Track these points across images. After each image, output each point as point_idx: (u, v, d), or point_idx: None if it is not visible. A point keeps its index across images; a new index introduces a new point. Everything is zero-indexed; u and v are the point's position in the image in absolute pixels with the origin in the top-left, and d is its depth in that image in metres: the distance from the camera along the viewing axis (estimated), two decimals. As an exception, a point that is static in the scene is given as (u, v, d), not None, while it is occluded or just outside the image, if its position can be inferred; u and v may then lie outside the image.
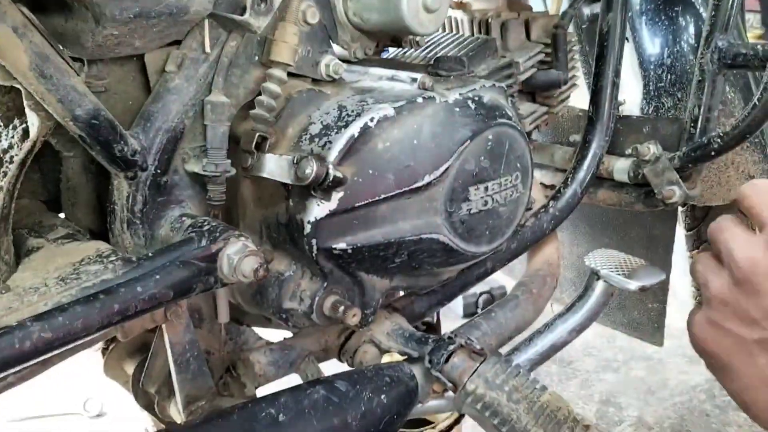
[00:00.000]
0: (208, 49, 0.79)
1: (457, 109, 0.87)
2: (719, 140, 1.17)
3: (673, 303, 1.55)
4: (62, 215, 0.88)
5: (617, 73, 1.22)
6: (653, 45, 1.48)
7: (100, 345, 1.01)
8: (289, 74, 0.85)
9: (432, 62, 0.97)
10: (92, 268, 0.68)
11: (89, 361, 0.92)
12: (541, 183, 1.39)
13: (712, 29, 1.20)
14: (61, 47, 0.70)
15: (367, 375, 0.82)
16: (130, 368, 0.97)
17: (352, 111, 0.82)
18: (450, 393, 0.89)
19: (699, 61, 1.22)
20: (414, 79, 0.89)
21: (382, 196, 0.82)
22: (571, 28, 1.29)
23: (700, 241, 1.72)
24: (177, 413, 0.88)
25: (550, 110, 1.26)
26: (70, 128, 0.71)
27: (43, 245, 0.75)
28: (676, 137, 1.26)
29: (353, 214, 0.81)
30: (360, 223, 0.82)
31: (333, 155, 0.79)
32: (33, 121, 0.72)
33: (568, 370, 1.92)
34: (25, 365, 0.57)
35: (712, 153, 1.19)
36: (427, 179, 0.84)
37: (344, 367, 0.97)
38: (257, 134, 0.80)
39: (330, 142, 0.80)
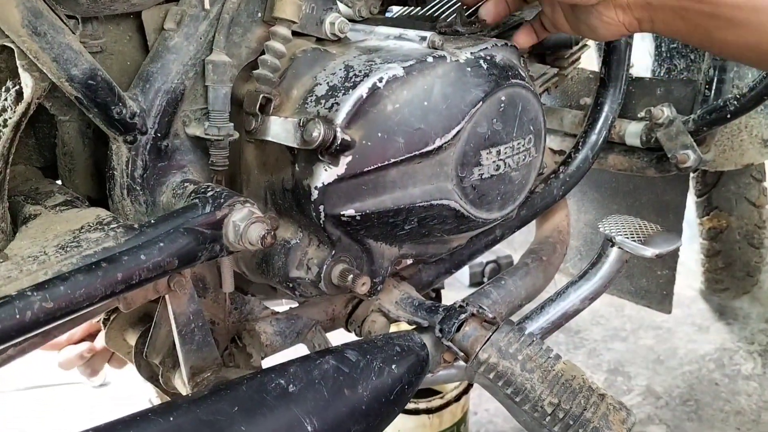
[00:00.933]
0: (207, 6, 0.75)
1: (469, 69, 0.83)
2: (735, 102, 1.14)
3: (681, 271, 1.53)
4: (59, 182, 0.85)
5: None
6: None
7: (101, 315, 0.99)
8: (293, 33, 0.81)
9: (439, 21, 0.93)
10: (93, 236, 0.66)
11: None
12: (549, 148, 1.36)
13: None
14: (55, 3, 0.66)
15: (378, 344, 0.80)
16: (132, 339, 0.95)
17: (360, 71, 0.79)
18: (461, 362, 0.87)
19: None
20: (423, 38, 0.86)
21: (392, 160, 0.79)
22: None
23: (710, 207, 1.70)
24: (182, 385, 0.86)
25: (561, 72, 1.22)
26: (65, 89, 0.68)
27: (40, 212, 0.72)
28: (690, 100, 1.23)
29: (362, 179, 0.78)
30: (369, 188, 0.79)
31: (341, 117, 0.76)
32: (27, 82, 0.68)
33: (576, 339, 1.91)
34: (26, 336, 0.54)
35: (728, 116, 1.16)
36: (438, 143, 0.80)
37: (352, 337, 0.95)
38: (261, 95, 0.77)
39: (337, 103, 0.77)
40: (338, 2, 0.90)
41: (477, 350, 0.83)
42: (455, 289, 2.11)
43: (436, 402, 1.37)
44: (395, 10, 1.13)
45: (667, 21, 0.84)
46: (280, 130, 0.76)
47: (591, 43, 1.49)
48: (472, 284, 2.15)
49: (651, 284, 1.55)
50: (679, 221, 1.46)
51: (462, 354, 0.85)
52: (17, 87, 0.72)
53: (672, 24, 0.83)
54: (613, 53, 1.19)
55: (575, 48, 1.22)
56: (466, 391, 1.40)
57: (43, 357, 0.97)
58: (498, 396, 0.84)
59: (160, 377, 0.89)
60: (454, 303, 0.89)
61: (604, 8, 0.86)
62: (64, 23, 0.65)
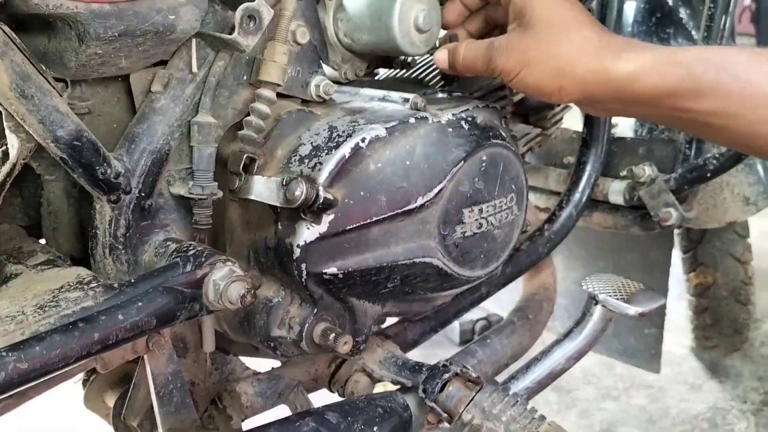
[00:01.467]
0: (195, 69, 0.77)
1: (450, 130, 0.85)
2: (715, 161, 1.16)
3: (671, 328, 1.53)
4: (43, 241, 0.85)
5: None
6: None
7: (80, 376, 0.97)
8: (279, 95, 0.83)
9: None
10: (72, 296, 0.65)
11: (64, 395, 0.88)
12: (535, 206, 1.37)
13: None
14: (43, 67, 0.68)
15: (359, 406, 0.79)
16: (111, 400, 0.93)
17: (343, 132, 0.80)
18: (445, 424, 0.86)
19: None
20: (406, 100, 0.88)
21: (374, 218, 0.79)
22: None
23: (696, 263, 1.71)
24: (160, 447, 0.84)
25: (544, 132, 1.25)
26: (51, 150, 0.69)
27: (22, 272, 0.72)
28: (672, 159, 1.25)
29: (344, 238, 0.79)
30: (351, 246, 0.79)
31: (323, 177, 0.77)
32: (13, 142, 0.70)
33: (568, 399, 1.88)
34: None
35: (708, 174, 1.18)
36: (420, 201, 0.81)
37: (335, 398, 0.93)
38: (245, 155, 0.78)
39: (320, 163, 0.78)
40: (324, 65, 0.92)
41: (461, 411, 0.82)
42: (445, 347, 2.09)
43: (424, 464, 1.34)
44: (381, 73, 1.16)
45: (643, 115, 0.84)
46: (263, 189, 0.77)
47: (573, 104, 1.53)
48: (462, 342, 2.13)
49: (639, 343, 1.54)
50: (665, 278, 1.46)
51: (446, 415, 0.84)
52: (3, 147, 0.73)
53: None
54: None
55: (558, 108, 1.25)
56: (454, 452, 1.37)
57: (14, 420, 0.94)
58: (483, 458, 0.82)
59: (138, 440, 0.87)
60: (438, 362, 0.88)
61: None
62: (52, 86, 0.67)
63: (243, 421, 0.89)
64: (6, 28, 0.63)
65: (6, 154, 0.72)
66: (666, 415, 1.80)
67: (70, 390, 0.93)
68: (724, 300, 1.72)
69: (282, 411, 0.87)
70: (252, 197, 0.77)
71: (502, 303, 1.91)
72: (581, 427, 1.72)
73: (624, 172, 1.26)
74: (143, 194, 0.76)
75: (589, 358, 1.00)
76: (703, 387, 1.90)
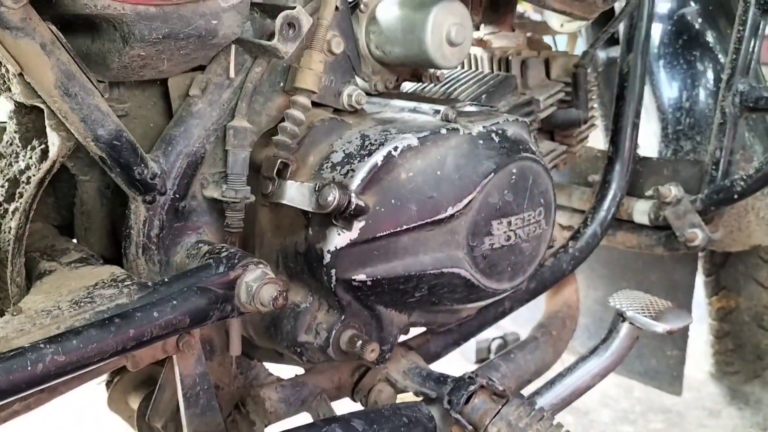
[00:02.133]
0: (232, 74, 0.78)
1: (481, 142, 0.86)
2: (742, 183, 1.16)
3: (690, 353, 1.51)
4: (75, 240, 0.86)
5: (637, 114, 1.22)
6: (671, 88, 1.47)
7: (103, 378, 0.98)
8: (312, 103, 0.84)
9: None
10: (107, 293, 0.66)
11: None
12: (559, 224, 1.37)
13: (733, 72, 1.20)
14: (86, 67, 0.69)
15: (384, 414, 0.79)
16: (135, 402, 0.93)
17: (375, 140, 0.81)
18: (469, 436, 0.85)
19: (720, 103, 1.22)
20: (437, 111, 0.88)
21: (404, 226, 0.80)
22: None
23: (719, 287, 1.69)
24: (183, 451, 0.84)
25: (569, 149, 1.25)
26: (91, 149, 0.70)
27: (55, 268, 0.73)
28: (698, 180, 1.25)
29: (374, 245, 0.79)
30: (381, 254, 0.80)
31: (355, 184, 0.77)
32: (54, 140, 0.71)
33: (585, 421, 1.86)
34: (35, 390, 0.54)
35: (735, 196, 1.17)
36: (450, 211, 0.82)
37: (357, 407, 0.93)
38: (279, 161, 0.79)
39: (353, 170, 0.79)
40: (356, 77, 0.93)
41: (486, 423, 0.81)
42: (461, 365, 2.07)
43: (440, 481, 1.33)
44: (409, 86, 1.17)
45: None
46: (295, 194, 0.77)
47: (599, 122, 1.53)
48: (478, 360, 2.11)
49: (661, 365, 1.52)
50: (689, 300, 1.45)
51: (470, 427, 0.83)
52: (43, 146, 0.74)
53: None
54: (620, 133, 1.22)
55: (583, 126, 1.25)
56: (471, 470, 1.35)
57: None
58: (507, 472, 0.81)
59: (161, 442, 0.87)
60: (464, 374, 0.87)
61: None
62: (95, 86, 0.68)
63: (266, 426, 0.88)
64: (53, 28, 0.64)
65: (45, 152, 0.73)
66: (685, 440, 1.77)
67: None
68: (747, 325, 1.69)
69: (304, 419, 0.87)
70: (285, 202, 0.78)
71: (519, 321, 1.90)
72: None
73: (649, 192, 1.25)
74: (178, 196, 0.77)
75: (607, 380, 0.99)
76: (722, 413, 1.87)
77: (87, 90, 0.67)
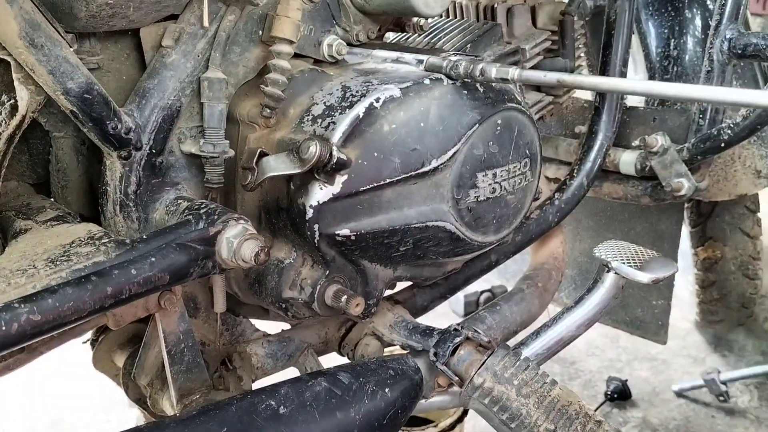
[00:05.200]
0: (206, 23, 0.75)
1: (465, 92, 0.84)
2: (729, 131, 1.15)
3: (675, 303, 1.52)
4: (51, 199, 0.84)
5: (624, 63, 1.20)
6: (659, 37, 1.45)
7: (87, 337, 0.97)
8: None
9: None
10: (83, 250, 0.65)
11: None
12: (545, 176, 1.36)
13: (722, 18, 1.18)
14: (53, 17, 0.66)
15: (371, 367, 0.79)
16: (120, 360, 0.93)
17: (357, 91, 0.79)
18: (455, 387, 0.86)
19: (708, 50, 1.19)
20: (420, 61, 0.86)
21: (388, 180, 0.78)
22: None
23: (705, 237, 1.70)
24: (170, 407, 0.84)
25: (556, 100, 1.23)
26: (61, 103, 0.68)
27: (31, 227, 0.71)
28: (684, 129, 1.24)
29: (357, 199, 0.78)
30: (364, 208, 0.78)
31: (337, 136, 0.75)
32: (22, 95, 0.68)
33: (571, 370, 1.89)
34: (11, 350, 0.53)
35: (722, 144, 1.16)
36: (434, 164, 0.80)
37: (344, 361, 0.93)
38: (258, 150, 0.75)
39: (333, 123, 0.77)
40: (336, 26, 0.91)
41: (472, 375, 0.82)
42: (450, 319, 2.09)
43: (429, 431, 1.35)
44: (392, 37, 1.14)
45: None
46: (275, 164, 0.74)
47: (586, 71, 1.51)
48: (466, 314, 2.13)
49: (646, 314, 1.53)
50: (675, 250, 1.45)
51: (456, 378, 0.83)
52: (12, 101, 0.71)
53: None
54: (608, 82, 1.20)
55: (570, 76, 1.23)
56: (459, 420, 1.37)
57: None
58: (493, 422, 0.82)
59: (147, 399, 0.87)
60: (449, 326, 0.87)
61: None
62: (62, 36, 0.65)
63: (253, 382, 0.88)
64: (15, -25, 0.61)
65: (15, 107, 0.71)
66: (669, 387, 1.80)
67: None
68: (732, 274, 1.71)
69: (292, 373, 0.87)
70: (268, 176, 0.75)
71: (506, 274, 1.91)
72: (585, 397, 1.72)
73: (636, 142, 1.24)
74: (154, 151, 0.75)
75: (593, 330, 0.99)
76: (707, 360, 1.91)
77: (54, 41, 0.65)
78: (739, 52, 1.17)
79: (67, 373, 1.81)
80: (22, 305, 0.54)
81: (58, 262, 0.63)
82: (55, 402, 1.80)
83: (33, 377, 1.84)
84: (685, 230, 1.72)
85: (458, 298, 2.14)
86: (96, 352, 0.94)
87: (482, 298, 2.14)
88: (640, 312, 1.55)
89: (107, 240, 0.67)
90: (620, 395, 1.75)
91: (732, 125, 1.15)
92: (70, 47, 0.67)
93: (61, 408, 1.79)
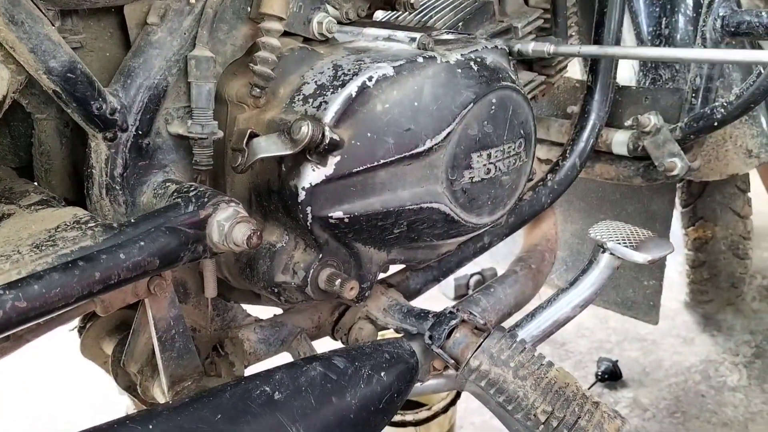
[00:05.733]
0: (192, 0, 0.73)
1: (459, 71, 0.82)
2: (723, 110, 1.14)
3: (665, 283, 1.52)
4: (35, 183, 0.81)
5: (617, 41, 1.18)
6: (650, 16, 1.44)
7: (75, 324, 0.95)
8: (280, 32, 0.79)
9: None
10: (69, 235, 0.63)
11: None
12: (537, 157, 1.35)
13: (715, -4, 1.17)
14: (32, -7, 0.64)
15: (366, 351, 0.78)
16: (109, 348, 0.91)
17: (349, 70, 0.77)
18: (451, 371, 0.85)
19: (701, 29, 1.18)
20: (413, 39, 0.84)
21: (381, 161, 0.77)
22: (568, -4, 1.24)
23: (695, 217, 1.70)
24: (161, 394, 0.83)
25: (548, 79, 1.22)
26: (43, 82, 0.65)
27: (15, 212, 0.69)
28: (677, 108, 1.23)
29: (350, 180, 0.76)
30: (357, 190, 0.77)
31: (329, 116, 0.74)
32: (2, 74, 0.66)
33: (561, 352, 1.89)
34: (-5, 337, 0.51)
35: (715, 123, 1.15)
36: (428, 144, 0.79)
37: (338, 346, 0.92)
38: (249, 131, 0.73)
39: (325, 102, 0.75)
40: (326, 3, 0.88)
41: (468, 357, 0.81)
42: (439, 301, 2.09)
43: (423, 414, 1.34)
44: (381, 15, 1.12)
45: None
46: (267, 145, 0.72)
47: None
48: (456, 297, 2.13)
49: (637, 295, 1.54)
50: (666, 230, 1.45)
51: (452, 361, 0.83)
52: (-8, 81, 0.69)
53: None
54: (599, 62, 1.19)
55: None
56: (453, 402, 1.37)
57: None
58: (490, 405, 0.81)
59: (137, 387, 0.85)
60: (444, 309, 0.86)
61: None
62: (43, 13, 0.63)
63: (246, 367, 0.87)
64: (-8, -52, 0.59)
65: (-5, 88, 0.68)
66: (659, 367, 1.81)
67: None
68: (722, 254, 1.71)
69: (285, 359, 0.86)
70: (260, 157, 0.73)
71: (497, 256, 1.90)
72: (575, 377, 1.73)
73: (629, 122, 1.23)
74: (140, 132, 0.73)
75: (583, 312, 0.99)
76: (696, 340, 1.92)
77: (35, 17, 0.62)
78: (732, 30, 1.16)
79: (67, 373, 1.80)
80: (7, 292, 0.52)
81: (43, 247, 0.61)
82: (54, 401, 1.79)
83: (32, 377, 1.82)
84: (676, 210, 1.72)
85: (448, 282, 2.13)
86: (84, 340, 0.92)
87: (472, 281, 2.14)
88: (632, 293, 1.55)
89: (94, 224, 0.65)
90: (611, 376, 1.76)
91: (725, 104, 1.14)
92: (52, 25, 0.65)
93: (61, 407, 1.77)
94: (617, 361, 1.78)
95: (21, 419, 1.73)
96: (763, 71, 1.10)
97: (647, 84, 1.44)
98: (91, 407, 1.74)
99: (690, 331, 1.96)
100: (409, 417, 1.34)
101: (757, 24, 1.13)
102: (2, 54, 0.64)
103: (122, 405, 1.20)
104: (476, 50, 0.86)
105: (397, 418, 1.34)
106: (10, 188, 0.76)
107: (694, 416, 1.65)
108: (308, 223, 0.76)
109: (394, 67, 0.77)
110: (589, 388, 1.73)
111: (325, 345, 0.91)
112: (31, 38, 0.62)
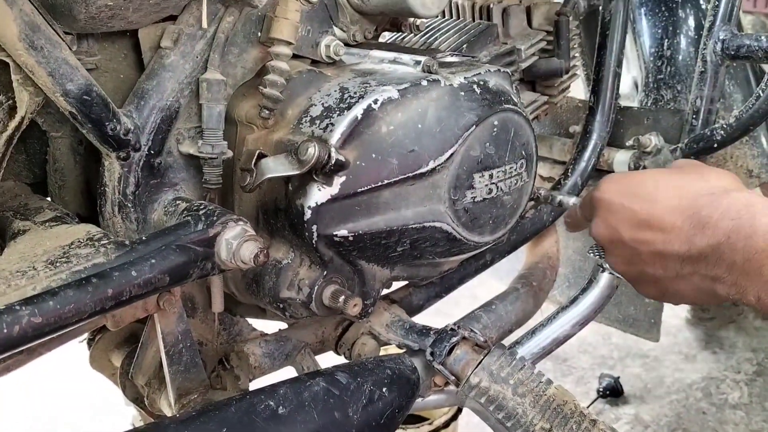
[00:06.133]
0: (205, 25, 0.75)
1: (462, 93, 0.84)
2: (722, 132, 1.16)
3: (667, 299, 1.53)
4: (48, 199, 0.84)
5: (619, 63, 1.20)
6: (652, 37, 1.46)
7: (85, 336, 0.97)
8: (288, 55, 0.81)
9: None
10: (83, 252, 0.65)
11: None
12: (539, 175, 1.37)
13: (715, 19, 1.19)
14: (52, 18, 0.66)
15: (368, 367, 0.79)
16: (117, 360, 0.93)
17: (355, 93, 0.79)
18: (452, 387, 0.86)
19: (701, 51, 1.20)
20: (417, 62, 0.86)
21: (386, 181, 0.79)
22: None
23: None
24: (168, 407, 0.85)
25: (551, 100, 1.24)
26: (60, 104, 0.68)
27: (29, 228, 0.71)
28: (678, 129, 1.25)
29: (355, 200, 0.78)
30: (362, 209, 0.79)
31: (335, 138, 0.76)
32: (21, 96, 0.68)
33: (564, 367, 1.90)
34: (12, 352, 0.53)
35: (715, 145, 1.17)
36: (431, 165, 0.81)
37: (341, 361, 0.94)
38: (257, 151, 0.75)
39: (332, 124, 0.77)
40: (334, 27, 0.91)
41: (468, 374, 0.82)
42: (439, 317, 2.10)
43: (424, 428, 1.36)
44: (388, 36, 1.14)
45: None
46: (274, 165, 0.74)
47: (580, 71, 1.52)
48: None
49: (639, 312, 1.55)
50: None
51: (453, 378, 0.84)
52: (10, 101, 0.71)
53: None
54: (601, 82, 1.21)
55: (565, 77, 1.24)
56: (454, 417, 1.38)
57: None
58: (489, 421, 0.83)
59: (145, 399, 0.87)
60: (446, 326, 0.88)
61: None
62: (61, 38, 0.65)
63: (251, 381, 0.89)
64: (14, -23, 0.61)
65: (13, 108, 0.71)
66: (661, 384, 1.82)
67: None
68: (723, 273, 1.72)
69: (289, 373, 0.88)
70: (267, 177, 0.75)
71: (500, 272, 1.91)
72: (577, 394, 1.74)
73: (630, 142, 1.25)
74: (153, 152, 0.75)
75: (586, 328, 1.01)
76: (698, 357, 1.93)
77: (53, 42, 0.65)
78: (732, 53, 1.18)
79: (67, 373, 1.81)
80: (24, 307, 0.54)
81: (57, 264, 0.63)
82: (55, 402, 1.80)
83: (33, 377, 1.84)
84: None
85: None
86: (93, 352, 0.94)
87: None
88: (633, 310, 1.56)
89: (107, 241, 0.67)
90: (612, 392, 1.77)
91: (725, 126, 1.16)
92: (70, 49, 0.67)
93: (61, 408, 1.79)
94: (619, 377, 1.78)
95: (21, 420, 1.75)
96: (762, 94, 1.12)
97: (649, 104, 1.46)
98: (91, 408, 1.75)
99: (692, 348, 1.97)
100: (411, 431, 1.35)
101: (757, 48, 1.15)
102: (21, 77, 0.67)
103: (119, 407, 1.21)
104: (479, 73, 0.88)
105: (398, 432, 1.35)
106: (25, 204, 0.78)
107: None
108: (314, 241, 0.78)
109: (398, 90, 0.79)
110: (590, 404, 1.74)
111: (328, 360, 0.93)
112: (50, 62, 0.64)
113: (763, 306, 0.67)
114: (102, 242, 0.67)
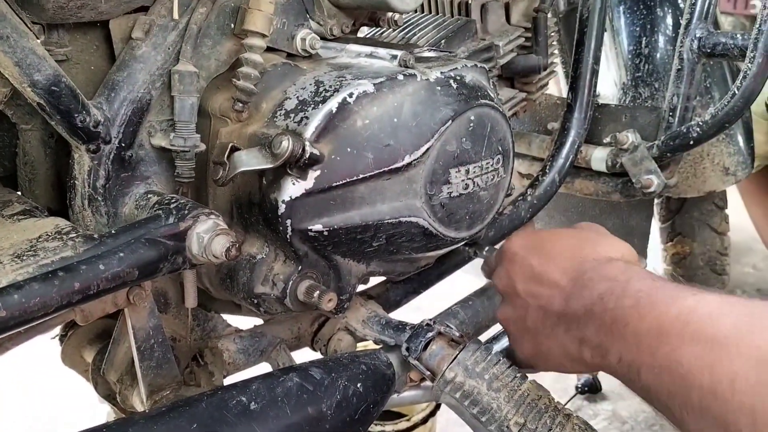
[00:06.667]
0: (176, 16, 0.74)
1: (439, 88, 0.84)
2: (698, 129, 1.16)
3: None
4: (18, 192, 0.82)
5: (597, 60, 1.21)
6: (630, 35, 1.47)
7: (57, 332, 0.96)
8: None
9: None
10: (50, 245, 0.64)
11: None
12: (518, 172, 1.37)
13: (692, 17, 1.20)
14: (19, 8, 0.65)
15: (343, 363, 0.79)
16: (89, 356, 0.92)
17: (330, 86, 0.79)
18: (428, 382, 0.86)
19: (678, 49, 1.21)
20: (394, 56, 0.86)
21: (361, 175, 0.78)
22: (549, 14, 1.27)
23: (674, 233, 1.73)
24: (140, 403, 0.84)
25: (529, 96, 1.24)
26: (27, 95, 0.66)
27: (-4, 221, 0.70)
28: (655, 126, 1.26)
29: (330, 194, 0.77)
30: (337, 203, 0.78)
31: (309, 131, 0.75)
32: (-13, 87, 0.67)
33: (540, 363, 1.91)
34: (-27, 346, 0.52)
35: (691, 142, 1.18)
36: (407, 159, 0.80)
37: (317, 356, 0.93)
38: (230, 144, 0.75)
39: (306, 117, 0.76)
40: (310, 20, 0.90)
41: (443, 369, 0.82)
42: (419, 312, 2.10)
43: (402, 425, 1.36)
44: (366, 31, 1.14)
45: None
46: (248, 159, 0.74)
47: (559, 69, 1.52)
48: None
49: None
50: (644, 246, 1.48)
51: (428, 373, 0.84)
52: (-23, 92, 0.70)
53: None
54: (579, 80, 1.21)
55: (543, 73, 1.24)
56: (432, 413, 1.38)
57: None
58: (464, 416, 0.83)
59: (117, 396, 0.86)
60: (422, 322, 0.88)
61: None
62: (29, 27, 0.64)
63: (225, 377, 0.88)
64: (-21, -36, 0.60)
65: (-21, 99, 0.69)
66: (638, 380, 1.83)
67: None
68: (700, 269, 1.74)
69: (264, 369, 0.87)
70: (241, 170, 0.74)
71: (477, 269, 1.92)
72: (556, 390, 1.74)
73: (607, 139, 1.26)
74: (123, 145, 0.74)
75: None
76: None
77: (20, 32, 0.63)
78: (708, 51, 1.19)
79: (67, 373, 1.79)
80: (-13, 301, 0.53)
81: (24, 257, 0.62)
82: (54, 401, 1.78)
83: (32, 377, 1.82)
84: (656, 226, 1.75)
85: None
86: (65, 348, 0.93)
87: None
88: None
89: (75, 235, 0.66)
90: (590, 388, 1.78)
91: (701, 123, 1.17)
92: (37, 38, 0.66)
93: (61, 407, 1.77)
94: (596, 374, 1.79)
95: (21, 419, 1.73)
96: (737, 91, 1.13)
97: (627, 101, 1.47)
98: (91, 408, 1.73)
99: (669, 344, 1.98)
100: (389, 428, 1.35)
101: (732, 46, 1.16)
102: (-13, 67, 0.65)
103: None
104: (456, 68, 0.88)
105: (376, 429, 1.35)
106: (-7, 198, 0.77)
107: (672, 429, 1.67)
108: (288, 236, 0.78)
109: (374, 84, 0.79)
110: (568, 401, 1.74)
111: (304, 356, 0.92)
112: (17, 52, 0.63)
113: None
114: (70, 236, 0.65)
